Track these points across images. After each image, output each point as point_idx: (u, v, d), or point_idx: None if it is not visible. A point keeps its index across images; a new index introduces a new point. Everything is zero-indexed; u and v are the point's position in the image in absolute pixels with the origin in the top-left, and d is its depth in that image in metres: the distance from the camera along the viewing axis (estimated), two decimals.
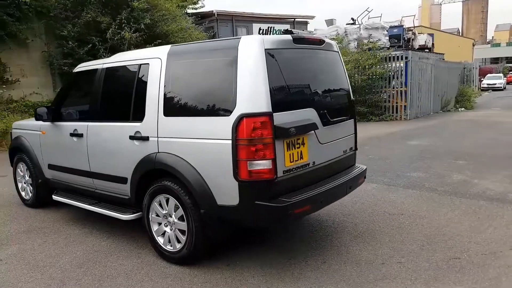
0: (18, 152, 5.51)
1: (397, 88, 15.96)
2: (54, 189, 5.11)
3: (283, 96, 3.29)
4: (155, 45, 15.88)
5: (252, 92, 3.05)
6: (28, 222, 4.95)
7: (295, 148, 3.27)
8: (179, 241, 3.60)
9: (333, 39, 14.15)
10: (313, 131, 3.46)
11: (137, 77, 3.89)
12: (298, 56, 3.52)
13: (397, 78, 16.11)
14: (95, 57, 15.23)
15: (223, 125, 3.10)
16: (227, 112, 3.09)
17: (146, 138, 3.69)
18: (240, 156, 3.04)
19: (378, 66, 16.42)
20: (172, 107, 3.54)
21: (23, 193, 5.63)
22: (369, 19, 22.00)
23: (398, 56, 16.08)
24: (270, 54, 3.17)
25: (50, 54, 15.17)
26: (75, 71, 5.05)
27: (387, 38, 19.91)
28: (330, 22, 26.84)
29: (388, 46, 18.91)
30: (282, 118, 3.15)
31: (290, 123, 3.19)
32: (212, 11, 23.18)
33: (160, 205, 3.70)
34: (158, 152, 3.58)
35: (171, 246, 3.65)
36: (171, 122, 3.52)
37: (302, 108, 3.41)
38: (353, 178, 3.94)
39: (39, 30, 15.01)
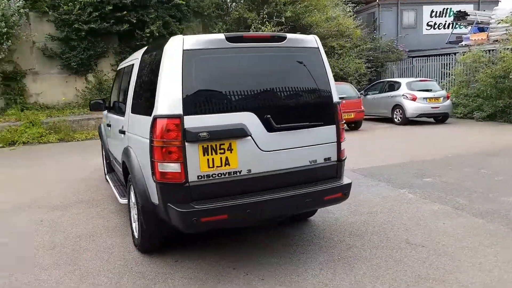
0: None
1: None
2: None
3: (205, 98, 3.03)
4: None
5: (166, 93, 2.95)
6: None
7: (216, 154, 2.96)
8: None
9: None
10: (249, 137, 3.02)
11: (129, 76, 4.19)
12: (236, 56, 3.17)
13: None
14: None
15: (146, 125, 3.11)
16: (151, 112, 3.06)
17: (123, 132, 4.02)
18: (154, 157, 2.97)
19: None
20: (134, 105, 3.76)
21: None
22: None
23: None
24: (191, 55, 2.99)
25: None
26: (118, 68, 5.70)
27: None
28: None
29: None
30: (198, 121, 2.93)
31: (206, 127, 2.92)
32: None
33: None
34: (128, 145, 3.80)
35: (136, 233, 3.75)
36: (132, 119, 3.77)
37: (234, 112, 3.05)
38: (312, 192, 3.25)
39: (197, 28, 16.93)
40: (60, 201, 5.42)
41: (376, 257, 3.48)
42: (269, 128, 3.13)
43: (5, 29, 11.89)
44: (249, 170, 3.09)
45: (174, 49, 2.99)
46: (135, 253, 3.68)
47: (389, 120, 13.41)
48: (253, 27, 15.97)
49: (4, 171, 7.71)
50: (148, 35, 14.53)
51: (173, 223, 2.98)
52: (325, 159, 3.41)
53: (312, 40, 3.48)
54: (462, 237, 3.82)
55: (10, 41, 12.26)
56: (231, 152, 3.01)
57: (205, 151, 2.93)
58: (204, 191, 2.97)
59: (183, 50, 2.97)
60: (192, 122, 2.90)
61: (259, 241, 3.88)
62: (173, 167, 2.89)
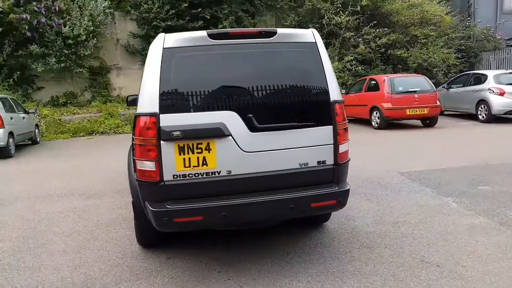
0: None
1: None
2: None
3: (183, 96, 2.95)
4: (371, 27, 15.34)
5: (145, 91, 2.93)
6: None
7: (193, 153, 2.88)
8: None
9: None
10: (230, 137, 2.89)
11: None
12: (218, 53, 3.04)
13: None
14: None
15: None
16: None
17: None
18: (134, 154, 2.99)
19: None
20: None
21: None
22: None
23: None
24: (171, 53, 2.94)
25: None
26: None
27: None
28: None
29: None
30: (175, 120, 2.86)
31: (181, 125, 2.84)
32: None
33: None
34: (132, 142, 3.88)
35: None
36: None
37: (214, 111, 2.94)
38: (296, 198, 2.98)
39: (270, 22, 16.88)
40: (100, 190, 5.81)
41: (376, 273, 3.12)
42: (252, 128, 2.96)
43: (92, 28, 13.06)
44: (229, 171, 2.96)
45: (155, 47, 2.97)
46: (136, 246, 3.78)
47: (473, 117, 12.04)
48: (326, 17, 15.44)
49: (70, 159, 8.51)
50: None
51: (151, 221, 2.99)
52: (318, 163, 3.13)
53: (308, 35, 3.20)
54: (491, 260, 3.25)
55: (96, 39, 13.44)
56: (209, 152, 2.91)
57: (181, 150, 2.87)
58: (180, 191, 2.92)
59: (163, 48, 2.93)
60: (169, 120, 2.85)
61: (260, 243, 3.74)
62: (149, 166, 2.88)
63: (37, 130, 11.03)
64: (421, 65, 16.05)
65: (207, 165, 2.91)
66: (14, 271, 3.36)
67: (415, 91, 10.70)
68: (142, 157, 2.89)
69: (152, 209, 2.84)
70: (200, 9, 14.50)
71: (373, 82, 11.60)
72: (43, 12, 12.35)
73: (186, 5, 14.19)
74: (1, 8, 11.65)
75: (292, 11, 16.53)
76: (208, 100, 2.98)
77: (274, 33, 3.08)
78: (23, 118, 9.83)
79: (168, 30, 14.64)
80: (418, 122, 11.50)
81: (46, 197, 5.57)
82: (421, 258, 3.34)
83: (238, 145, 2.94)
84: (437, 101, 10.96)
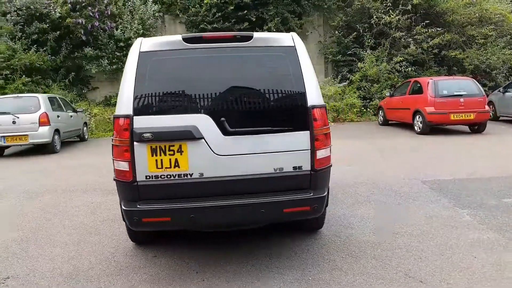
0: None
1: None
2: None
3: (157, 99, 3.04)
4: (423, 27, 14.58)
5: (122, 94, 3.04)
6: None
7: (165, 155, 2.94)
8: None
9: None
10: (202, 140, 2.93)
11: None
12: (193, 57, 3.09)
13: None
14: (361, 44, 15.57)
15: None
16: None
17: None
18: (113, 154, 3.09)
19: None
20: None
21: None
22: None
23: None
24: (147, 57, 3.03)
25: (323, 43, 16.58)
26: None
27: None
28: None
29: None
30: (148, 122, 2.95)
31: (153, 127, 2.92)
32: None
33: None
34: None
35: None
36: None
37: (187, 114, 2.99)
38: (268, 203, 2.94)
39: (317, 22, 16.67)
40: None
41: (352, 284, 3.01)
42: (225, 132, 2.98)
43: (142, 31, 13.71)
44: (201, 174, 3.01)
45: (133, 51, 3.09)
46: (130, 243, 3.91)
47: None
48: (375, 17, 14.95)
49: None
50: (265, 32, 14.93)
51: None
52: (294, 168, 3.08)
53: (286, 39, 3.16)
54: (483, 279, 3.01)
55: None
56: (181, 154, 2.97)
57: (153, 151, 2.96)
58: (152, 192, 3.01)
59: (140, 52, 3.05)
60: (142, 122, 2.95)
61: (247, 246, 3.73)
62: (123, 166, 3.00)
63: (85, 128, 11.80)
64: (479, 67, 15.01)
65: (179, 167, 2.98)
66: (14, 260, 3.65)
67: (460, 95, 10.03)
68: (117, 157, 3.02)
69: (124, 208, 2.97)
70: (246, 11, 14.68)
71: (418, 84, 11.04)
72: (97, 17, 13.19)
73: (232, 7, 14.44)
74: (59, 13, 12.62)
75: (340, 10, 16.20)
76: (181, 103, 3.04)
77: (250, 37, 3.08)
78: (71, 116, 10.58)
79: (214, 32, 15.01)
80: (466, 128, 10.77)
81: (71, 191, 5.96)
82: (407, 272, 3.16)
83: (210, 148, 2.98)
84: (486, 106, 10.19)
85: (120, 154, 3.00)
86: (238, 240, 3.86)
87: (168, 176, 2.98)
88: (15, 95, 10.22)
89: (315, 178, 3.11)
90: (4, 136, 8.99)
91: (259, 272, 3.25)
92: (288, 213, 3.03)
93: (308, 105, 3.06)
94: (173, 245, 3.81)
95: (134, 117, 2.95)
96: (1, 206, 5.41)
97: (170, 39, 3.11)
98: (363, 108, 14.79)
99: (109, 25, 13.45)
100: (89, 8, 13.13)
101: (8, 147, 9.66)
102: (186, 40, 3.05)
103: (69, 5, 12.79)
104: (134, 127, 2.94)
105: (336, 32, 15.79)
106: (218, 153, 2.98)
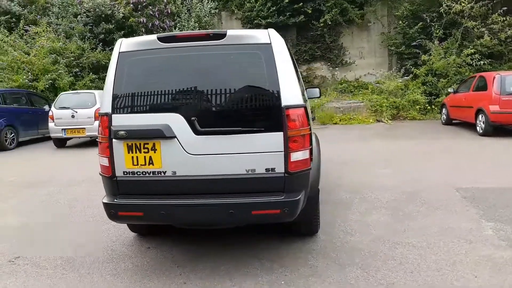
0: None
1: None
2: None
3: (133, 98, 3.14)
4: (500, 14, 13.18)
5: (104, 92, 3.21)
6: None
7: (140, 152, 3.05)
8: None
9: None
10: (175, 138, 3.00)
11: None
12: (167, 56, 3.13)
13: None
14: (428, 35, 14.54)
15: None
16: None
17: None
18: (98, 150, 3.26)
19: None
20: None
21: None
22: None
23: None
24: (125, 57, 3.14)
25: (387, 35, 15.73)
26: None
27: None
28: None
29: None
30: (124, 120, 3.08)
31: (129, 125, 3.03)
32: None
33: None
34: None
35: None
36: None
37: (160, 112, 3.05)
38: (236, 204, 2.91)
39: (381, 12, 15.85)
40: None
41: None
42: (197, 131, 3.00)
43: (198, 28, 14.15)
44: (174, 172, 3.06)
45: (114, 51, 3.23)
46: (132, 233, 4.11)
47: None
48: (444, 5, 13.82)
49: None
50: (322, 24, 14.59)
51: None
52: (267, 170, 3.00)
53: (262, 36, 3.06)
54: None
55: None
56: (154, 152, 3.05)
57: (129, 148, 3.08)
58: (129, 187, 3.14)
59: (119, 52, 3.17)
60: (119, 120, 3.09)
61: (239, 246, 3.73)
62: (104, 161, 3.17)
63: None
64: None
65: (153, 165, 3.07)
66: (31, 242, 4.04)
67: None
68: (100, 153, 3.20)
69: (103, 201, 3.13)
70: (301, 3, 14.45)
71: (483, 80, 10.04)
72: (157, 16, 13.86)
73: (287, 1, 14.30)
74: (123, 13, 13.47)
75: (405, 0, 15.24)
76: (155, 102, 3.12)
77: (224, 35, 3.05)
78: None
79: (268, 27, 14.86)
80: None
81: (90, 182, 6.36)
82: (388, 286, 2.95)
83: (183, 147, 3.02)
84: None
85: (102, 150, 3.17)
86: (233, 240, 3.86)
87: (143, 173, 3.08)
88: (75, 91, 11.20)
89: (289, 181, 3.00)
90: (64, 129, 9.91)
91: (236, 271, 3.24)
92: (257, 215, 2.97)
93: (282, 105, 2.95)
94: (170, 239, 3.94)
95: (113, 115, 3.10)
96: (42, 193, 5.95)
97: (146, 39, 3.19)
98: (427, 105, 13.79)
99: (167, 24, 14.07)
100: (150, 7, 13.84)
101: (69, 139, 10.65)
102: (160, 39, 3.10)
103: (131, 5, 13.59)
104: (112, 124, 3.08)
105: (400, 22, 14.89)
106: (190, 152, 3.01)
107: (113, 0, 13.96)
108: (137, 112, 3.12)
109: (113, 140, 3.09)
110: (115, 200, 3.09)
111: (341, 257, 3.42)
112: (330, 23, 14.50)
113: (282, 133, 2.96)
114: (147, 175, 3.09)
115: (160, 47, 3.12)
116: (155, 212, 3.03)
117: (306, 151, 3.05)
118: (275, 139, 2.97)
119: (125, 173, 3.12)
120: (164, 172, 3.07)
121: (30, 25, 14.23)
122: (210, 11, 14.47)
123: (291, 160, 2.98)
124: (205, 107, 3.07)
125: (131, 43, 3.21)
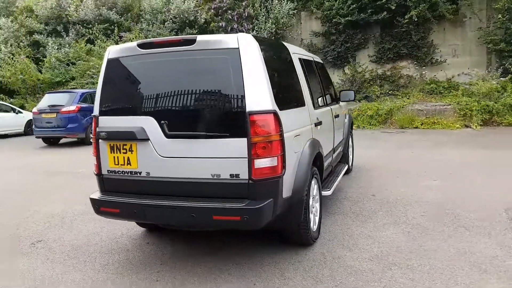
0: None
1: None
2: None
3: (115, 102, 3.39)
4: None
5: (96, 97, 3.48)
6: None
7: (120, 152, 3.26)
8: None
9: None
10: (148, 141, 3.15)
11: None
12: (145, 62, 3.28)
13: None
14: None
15: None
16: None
17: None
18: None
19: None
20: None
21: None
22: None
23: None
24: (112, 63, 3.37)
25: (484, 30, 14.07)
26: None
27: None
28: None
29: None
30: (107, 122, 3.33)
31: (109, 127, 3.28)
32: None
33: None
34: None
35: None
36: None
37: (136, 115, 3.23)
38: (197, 208, 2.95)
39: (480, 5, 14.23)
40: None
41: None
42: (166, 134, 3.10)
43: (274, 30, 14.26)
44: (148, 173, 3.21)
45: (104, 58, 3.49)
46: (140, 228, 4.36)
47: None
48: None
49: None
50: (407, 20, 13.64)
51: None
52: (231, 176, 2.97)
53: (231, 41, 3.01)
54: None
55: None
56: (131, 153, 3.24)
57: (111, 149, 3.31)
58: (112, 185, 3.39)
59: (108, 59, 3.41)
60: (102, 122, 3.37)
61: (228, 250, 3.73)
62: (95, 160, 3.45)
63: None
64: None
65: (130, 165, 3.25)
66: (56, 229, 4.54)
67: None
68: (93, 152, 3.47)
69: (90, 196, 3.39)
70: (383, 0, 13.66)
71: None
72: (236, 19, 14.31)
73: None
74: (204, 18, 14.19)
75: None
76: (133, 105, 3.30)
77: (193, 40, 3.08)
78: None
79: (347, 25, 14.44)
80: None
81: None
82: None
83: (155, 149, 3.14)
84: None
85: (93, 149, 3.44)
86: (232, 243, 3.87)
87: (123, 173, 3.28)
88: None
89: (253, 188, 2.92)
90: None
91: (210, 275, 3.25)
92: (218, 220, 2.96)
93: (247, 110, 2.88)
94: (170, 236, 4.09)
95: (99, 117, 3.37)
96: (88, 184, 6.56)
97: (128, 45, 3.37)
98: None
99: (245, 27, 14.43)
100: (229, 11, 14.34)
101: None
102: (140, 46, 3.25)
103: (213, 10, 14.24)
104: (98, 126, 3.33)
105: (500, 16, 13.19)
106: (161, 155, 3.13)
107: (197, 6, 14.78)
108: (117, 114, 3.34)
109: (99, 140, 3.33)
110: (99, 197, 3.34)
111: (322, 273, 3.22)
112: (416, 19, 13.45)
113: (245, 139, 2.89)
114: (125, 174, 3.28)
115: (139, 53, 3.27)
116: (129, 211, 3.21)
117: (274, 158, 2.93)
118: (239, 144, 2.92)
119: (109, 171, 3.36)
120: (140, 173, 3.22)
121: (125, 31, 15.80)
122: (288, 12, 14.47)
123: (255, 167, 2.90)
124: (175, 111, 3.16)
125: (117, 50, 3.42)
